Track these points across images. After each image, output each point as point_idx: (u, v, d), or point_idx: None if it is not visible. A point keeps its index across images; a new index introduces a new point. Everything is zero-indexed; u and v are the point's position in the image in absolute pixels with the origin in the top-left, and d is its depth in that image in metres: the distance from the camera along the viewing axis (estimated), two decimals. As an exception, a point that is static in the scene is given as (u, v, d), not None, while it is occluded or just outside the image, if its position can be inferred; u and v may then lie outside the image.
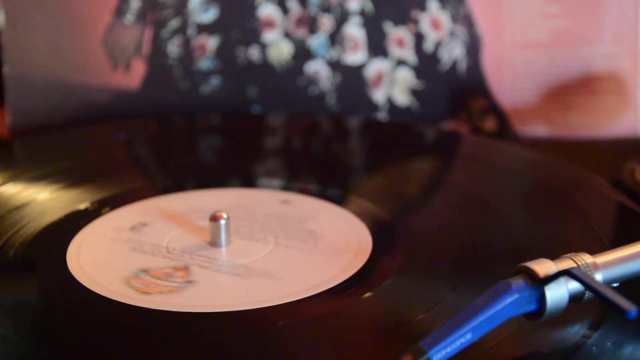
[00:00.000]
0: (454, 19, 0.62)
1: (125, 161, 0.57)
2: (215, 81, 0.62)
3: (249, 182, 0.52)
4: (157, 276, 0.41)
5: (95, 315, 0.38)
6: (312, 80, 0.62)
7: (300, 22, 0.62)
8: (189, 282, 0.40)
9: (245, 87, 0.62)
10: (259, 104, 0.62)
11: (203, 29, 0.61)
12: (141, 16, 0.61)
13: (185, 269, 0.41)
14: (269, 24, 0.62)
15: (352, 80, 0.62)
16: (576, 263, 0.35)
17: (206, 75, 0.62)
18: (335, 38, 0.62)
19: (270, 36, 0.62)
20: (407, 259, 0.42)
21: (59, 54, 0.60)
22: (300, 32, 0.62)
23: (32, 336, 0.37)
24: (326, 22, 0.62)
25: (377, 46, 0.62)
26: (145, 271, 0.41)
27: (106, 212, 0.47)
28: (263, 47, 0.62)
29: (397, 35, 0.62)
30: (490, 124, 0.63)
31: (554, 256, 0.35)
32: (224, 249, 0.43)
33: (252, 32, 0.62)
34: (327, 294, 0.39)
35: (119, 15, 0.61)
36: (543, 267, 0.34)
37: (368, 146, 0.60)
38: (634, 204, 0.46)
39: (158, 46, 0.61)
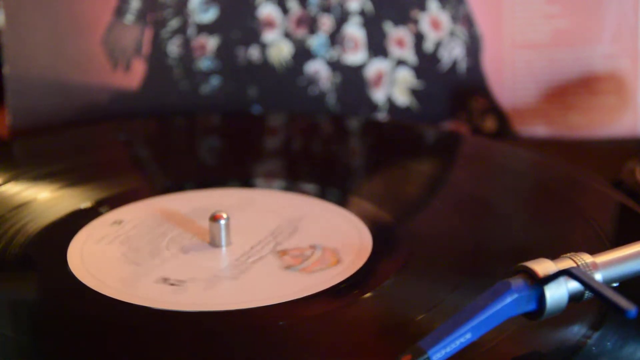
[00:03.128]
0: (454, 19, 0.62)
1: (125, 161, 0.57)
2: (215, 81, 0.62)
3: (249, 182, 0.52)
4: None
5: (96, 314, 0.38)
6: (312, 80, 0.62)
7: (300, 22, 0.62)
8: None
9: (245, 87, 0.62)
10: (259, 104, 0.62)
11: (203, 29, 0.61)
12: (141, 16, 0.61)
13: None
14: (269, 24, 0.62)
15: (352, 80, 0.62)
16: (576, 263, 0.35)
17: (206, 75, 0.62)
18: (335, 38, 0.62)
19: (270, 36, 0.62)
20: (407, 259, 0.42)
21: (59, 54, 0.60)
22: (300, 32, 0.62)
23: (33, 336, 0.37)
24: (326, 22, 0.62)
25: (377, 46, 0.62)
26: None
27: (106, 212, 0.47)
28: (263, 47, 0.62)
29: (397, 35, 0.62)
30: (490, 124, 0.63)
31: (553, 256, 0.35)
32: (223, 249, 0.43)
33: (252, 32, 0.62)
34: (327, 294, 0.39)
35: (119, 15, 0.61)
36: (543, 266, 0.34)
37: (368, 146, 0.60)
38: (634, 204, 0.46)
39: (158, 46, 0.61)
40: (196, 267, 0.42)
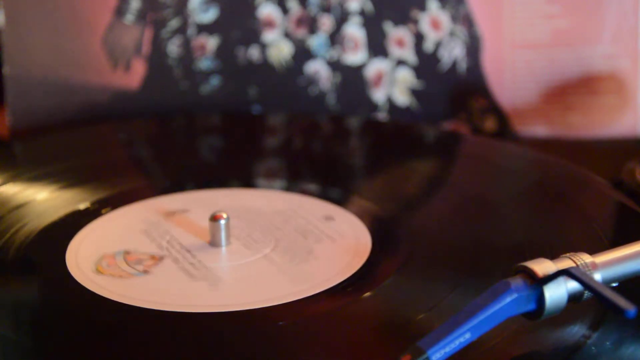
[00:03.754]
0: (454, 19, 0.62)
1: (125, 161, 0.57)
2: (215, 81, 0.62)
3: (249, 182, 0.52)
4: (130, 260, 0.41)
5: (94, 315, 0.38)
6: (312, 80, 0.62)
7: (300, 22, 0.62)
8: (146, 272, 0.41)
9: (245, 87, 0.62)
10: (259, 104, 0.62)
11: (203, 29, 0.61)
12: (141, 16, 0.61)
13: (160, 259, 0.42)
14: (269, 24, 0.62)
15: (352, 80, 0.62)
16: (575, 263, 0.35)
17: (206, 75, 0.62)
18: (335, 38, 0.62)
19: (270, 36, 0.62)
20: (406, 258, 0.42)
21: (59, 54, 0.60)
22: (300, 32, 0.62)
23: (32, 336, 0.37)
24: (326, 22, 0.62)
25: (377, 46, 0.62)
26: (126, 253, 0.41)
27: (106, 212, 0.47)
28: (263, 47, 0.62)
29: (397, 35, 0.62)
30: (490, 124, 0.63)
31: (553, 256, 0.35)
32: (223, 249, 0.43)
33: (252, 32, 0.62)
34: (327, 294, 0.39)
35: (119, 15, 0.61)
36: (542, 266, 0.34)
37: (368, 146, 0.60)
38: (634, 204, 0.46)
39: (158, 46, 0.61)
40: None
